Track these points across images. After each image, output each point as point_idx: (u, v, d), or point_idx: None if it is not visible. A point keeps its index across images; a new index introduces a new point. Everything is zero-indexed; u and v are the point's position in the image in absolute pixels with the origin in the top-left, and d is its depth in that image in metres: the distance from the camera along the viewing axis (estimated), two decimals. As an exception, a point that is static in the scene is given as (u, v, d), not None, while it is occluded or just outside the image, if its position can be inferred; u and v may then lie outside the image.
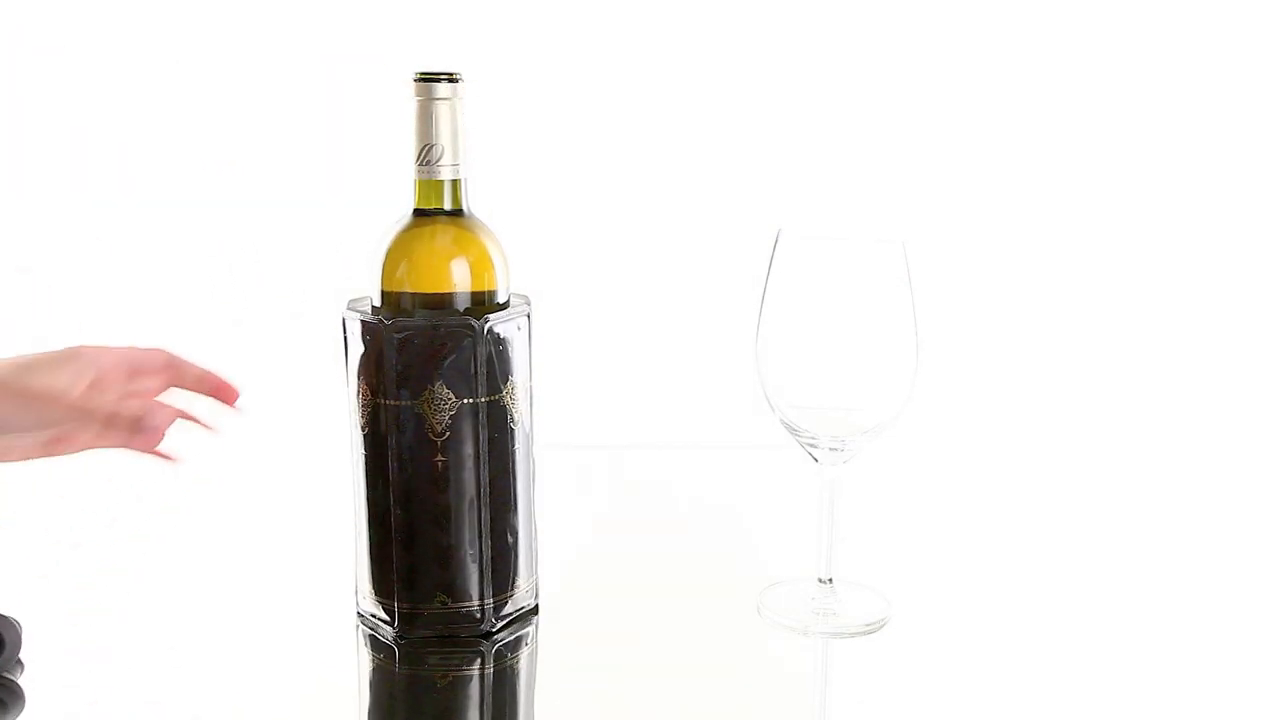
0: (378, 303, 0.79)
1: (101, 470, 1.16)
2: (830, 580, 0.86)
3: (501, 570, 0.81)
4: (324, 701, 0.76)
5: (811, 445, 0.83)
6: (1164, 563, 1.00)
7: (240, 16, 1.53)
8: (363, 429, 0.80)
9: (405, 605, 0.80)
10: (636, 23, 1.61)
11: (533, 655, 0.81)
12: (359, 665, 0.81)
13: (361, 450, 0.80)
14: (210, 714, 0.74)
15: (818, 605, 0.85)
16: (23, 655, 0.77)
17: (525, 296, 0.82)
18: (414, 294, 0.78)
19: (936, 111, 1.61)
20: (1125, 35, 1.60)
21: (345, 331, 0.80)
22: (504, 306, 0.80)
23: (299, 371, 1.50)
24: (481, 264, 0.79)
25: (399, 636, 0.80)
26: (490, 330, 0.77)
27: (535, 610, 0.85)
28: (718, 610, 0.88)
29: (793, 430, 0.83)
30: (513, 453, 0.80)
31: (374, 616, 0.82)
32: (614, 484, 1.19)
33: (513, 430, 0.80)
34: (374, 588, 0.81)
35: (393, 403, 0.77)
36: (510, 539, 0.81)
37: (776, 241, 0.81)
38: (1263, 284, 1.62)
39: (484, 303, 0.79)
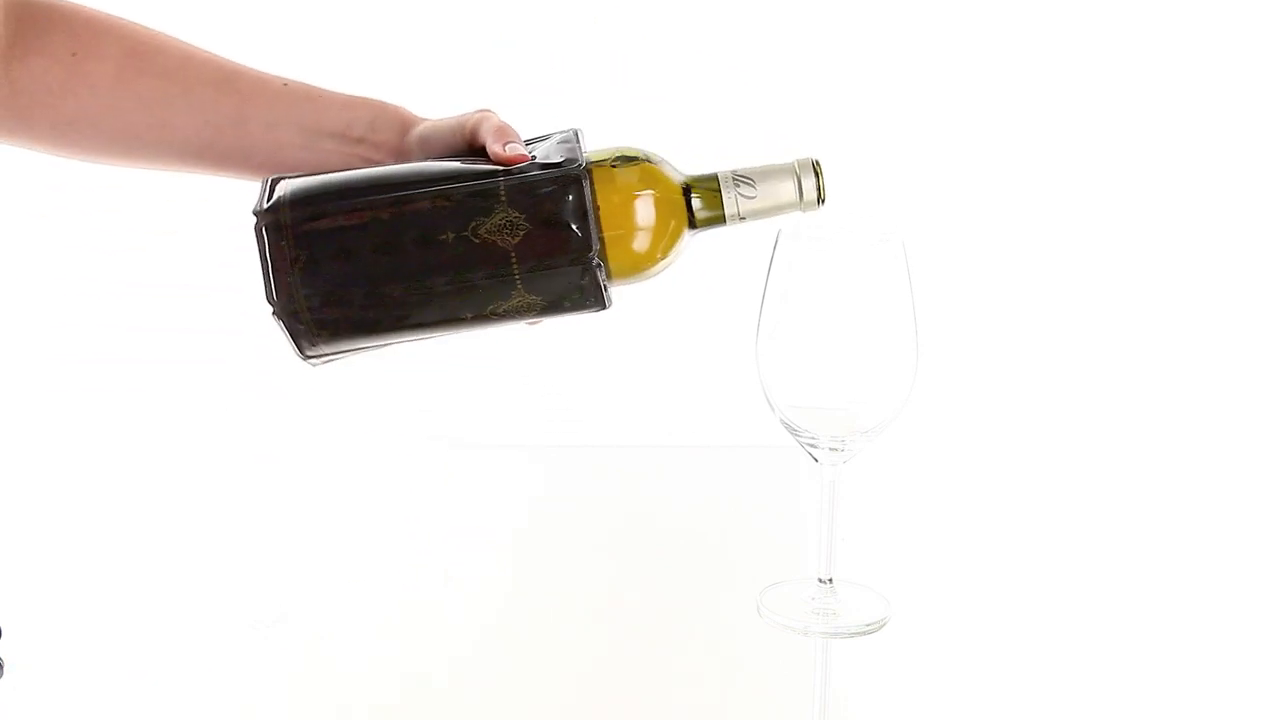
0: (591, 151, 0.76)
1: (103, 469, 1.17)
2: (830, 580, 0.86)
3: (353, 322, 0.73)
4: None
5: (811, 445, 0.83)
6: (1164, 562, 0.99)
7: (243, 13, 1.53)
8: (492, 159, 0.75)
9: (286, 220, 0.72)
10: (636, 21, 1.61)
11: (530, 655, 0.81)
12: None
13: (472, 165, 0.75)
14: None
15: (818, 605, 0.85)
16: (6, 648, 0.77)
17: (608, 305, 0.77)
18: (619, 172, 0.75)
19: (936, 112, 1.61)
20: (1125, 35, 1.60)
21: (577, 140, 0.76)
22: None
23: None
24: (654, 252, 0.76)
25: (257, 211, 0.73)
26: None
27: (305, 348, 0.74)
28: (718, 610, 0.88)
29: (793, 430, 0.83)
30: (493, 302, 0.73)
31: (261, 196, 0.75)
32: (614, 483, 1.19)
33: (500, 289, 0.73)
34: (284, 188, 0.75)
35: (525, 175, 0.73)
36: (398, 318, 0.74)
37: (776, 241, 0.81)
38: (1262, 282, 1.62)
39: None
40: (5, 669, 0.76)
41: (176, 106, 0.81)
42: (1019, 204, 1.62)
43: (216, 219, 1.55)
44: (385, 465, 1.19)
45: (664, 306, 1.63)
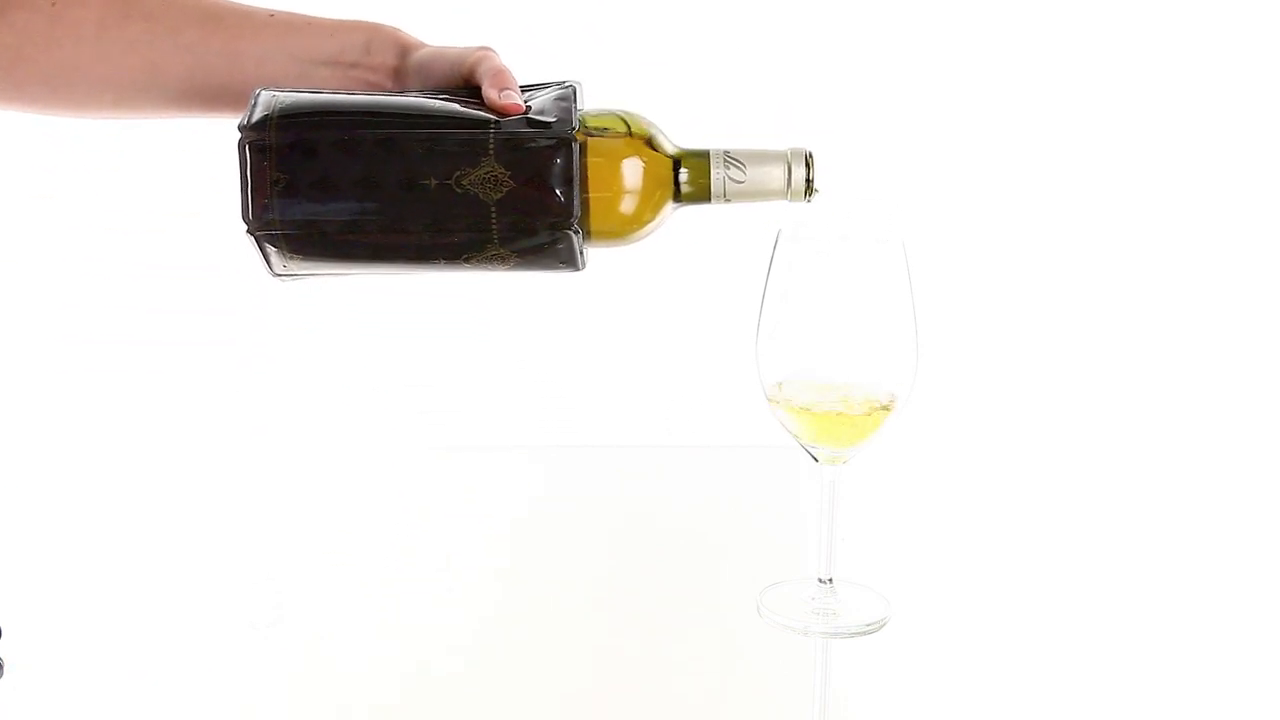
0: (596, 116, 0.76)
1: (106, 466, 1.17)
2: (830, 580, 0.86)
3: (326, 250, 0.74)
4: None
5: (811, 445, 0.83)
6: (1164, 562, 1.00)
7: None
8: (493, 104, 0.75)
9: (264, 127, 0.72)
10: (636, 21, 1.61)
11: (531, 655, 0.81)
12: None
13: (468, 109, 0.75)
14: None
15: (818, 605, 0.85)
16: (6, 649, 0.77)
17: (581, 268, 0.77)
18: (610, 137, 0.75)
19: (936, 111, 1.61)
20: (1125, 34, 1.60)
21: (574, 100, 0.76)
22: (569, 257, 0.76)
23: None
24: (636, 220, 0.76)
25: (243, 126, 0.72)
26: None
27: (270, 250, 0.74)
28: (718, 610, 0.88)
29: (792, 430, 0.83)
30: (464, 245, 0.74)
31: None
32: (613, 484, 1.19)
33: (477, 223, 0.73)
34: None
35: (515, 130, 0.73)
36: (371, 252, 0.74)
37: (776, 241, 0.81)
38: (1261, 281, 1.62)
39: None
40: (5, 669, 0.76)
41: (164, 48, 0.80)
42: (1019, 203, 1.62)
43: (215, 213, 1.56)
44: (385, 466, 1.19)
45: (664, 307, 1.63)
